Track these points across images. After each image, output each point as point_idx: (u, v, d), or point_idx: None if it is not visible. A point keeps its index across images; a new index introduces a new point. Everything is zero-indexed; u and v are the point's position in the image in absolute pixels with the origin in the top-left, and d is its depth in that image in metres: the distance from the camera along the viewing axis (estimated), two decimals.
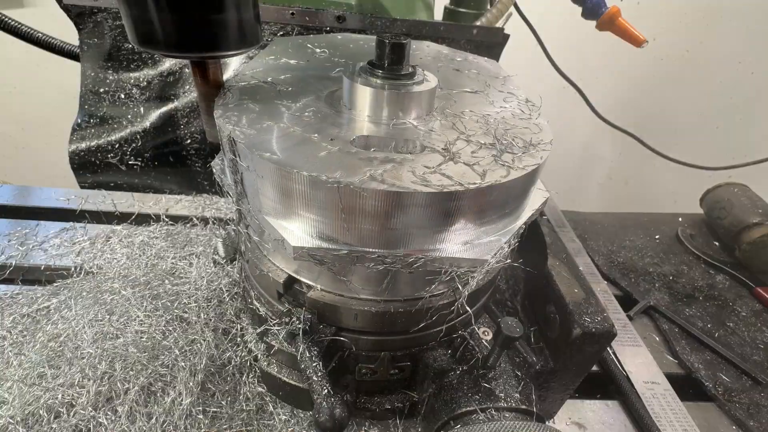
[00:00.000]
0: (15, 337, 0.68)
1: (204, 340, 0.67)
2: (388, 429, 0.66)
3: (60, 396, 0.59)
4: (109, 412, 0.59)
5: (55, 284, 0.79)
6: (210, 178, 1.16)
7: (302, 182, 0.43)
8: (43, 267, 0.83)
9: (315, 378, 0.52)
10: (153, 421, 0.59)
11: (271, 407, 0.65)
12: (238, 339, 0.69)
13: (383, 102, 0.53)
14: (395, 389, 0.65)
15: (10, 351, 0.66)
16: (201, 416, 0.61)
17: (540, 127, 0.57)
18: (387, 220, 0.44)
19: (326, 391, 0.51)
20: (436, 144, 0.50)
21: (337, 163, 0.44)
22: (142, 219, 0.95)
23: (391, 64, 0.54)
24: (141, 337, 0.66)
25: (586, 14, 1.15)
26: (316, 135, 0.49)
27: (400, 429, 0.65)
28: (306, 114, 0.53)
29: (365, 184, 0.41)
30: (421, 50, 0.81)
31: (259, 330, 0.63)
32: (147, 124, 1.14)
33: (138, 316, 0.69)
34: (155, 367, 0.63)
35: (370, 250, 0.46)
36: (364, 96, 0.54)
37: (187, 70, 1.15)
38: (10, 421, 0.57)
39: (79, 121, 1.14)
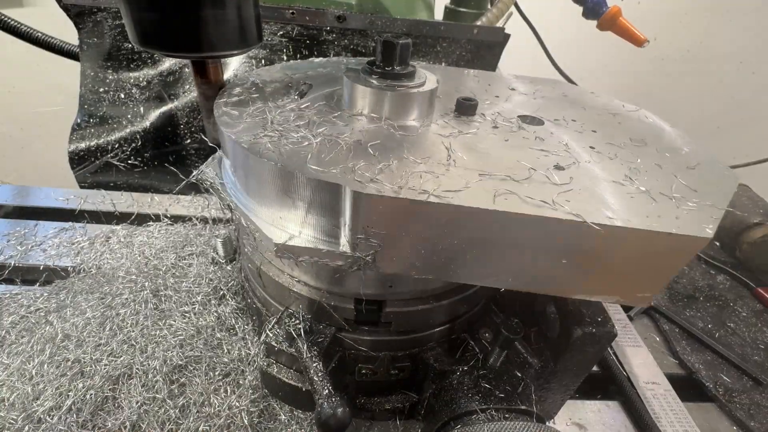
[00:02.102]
0: (15, 337, 0.68)
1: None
2: (388, 429, 0.65)
3: (61, 394, 0.59)
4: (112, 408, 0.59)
5: (54, 284, 0.79)
6: None
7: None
8: (42, 267, 0.83)
9: (316, 378, 0.52)
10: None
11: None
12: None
13: (383, 102, 0.53)
14: (395, 389, 0.65)
15: (10, 351, 0.66)
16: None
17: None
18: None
19: (327, 391, 0.51)
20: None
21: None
22: (142, 219, 0.95)
23: (391, 64, 0.54)
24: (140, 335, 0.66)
25: (587, 14, 1.15)
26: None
27: (400, 429, 0.65)
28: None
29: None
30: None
31: (259, 330, 0.63)
32: (147, 123, 1.14)
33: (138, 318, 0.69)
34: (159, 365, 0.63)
35: None
36: (363, 96, 0.54)
37: (187, 69, 1.15)
38: (12, 421, 0.57)
39: (79, 121, 1.14)
